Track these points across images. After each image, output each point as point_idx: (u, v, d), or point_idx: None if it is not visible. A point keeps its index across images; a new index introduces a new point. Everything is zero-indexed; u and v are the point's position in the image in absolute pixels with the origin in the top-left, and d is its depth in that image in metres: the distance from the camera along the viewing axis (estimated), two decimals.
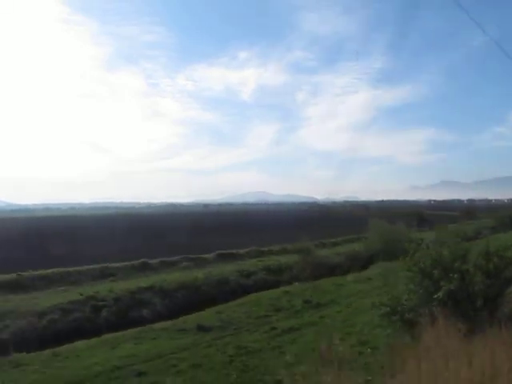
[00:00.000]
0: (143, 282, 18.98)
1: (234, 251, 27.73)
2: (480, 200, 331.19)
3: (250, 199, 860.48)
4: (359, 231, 40.63)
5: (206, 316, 14.93)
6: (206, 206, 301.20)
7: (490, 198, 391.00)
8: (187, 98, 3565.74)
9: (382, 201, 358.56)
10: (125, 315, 15.74)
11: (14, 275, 19.08)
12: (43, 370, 10.64)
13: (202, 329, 13.21)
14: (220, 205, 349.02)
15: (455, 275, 7.39)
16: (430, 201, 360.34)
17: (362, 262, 27.24)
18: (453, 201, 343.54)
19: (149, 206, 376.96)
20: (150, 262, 23.46)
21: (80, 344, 12.51)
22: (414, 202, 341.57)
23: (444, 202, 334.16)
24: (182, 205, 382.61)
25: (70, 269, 20.80)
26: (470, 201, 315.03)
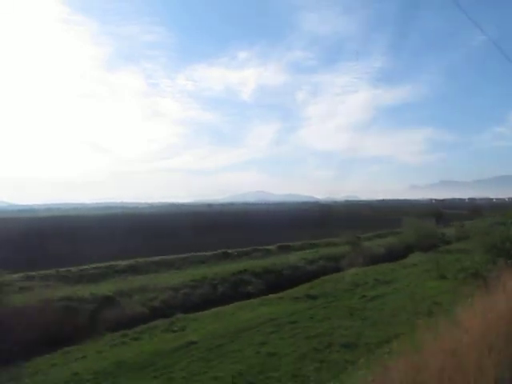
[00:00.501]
0: (233, 267, 23.22)
1: (290, 243, 32.16)
2: (481, 199, 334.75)
3: (251, 199, 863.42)
4: (372, 229, 45.04)
5: (305, 289, 19.30)
6: (209, 205, 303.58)
7: (491, 196, 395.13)
8: (187, 97, 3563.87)
9: (383, 200, 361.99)
10: (236, 290, 20.03)
11: (132, 261, 23.30)
12: (215, 321, 14.97)
13: (310, 297, 17.60)
14: (223, 205, 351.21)
15: None
16: (431, 200, 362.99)
17: (400, 253, 31.51)
18: (454, 200, 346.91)
19: (151, 205, 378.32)
20: (229, 251, 27.78)
21: (226, 307, 16.86)
22: (414, 201, 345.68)
23: (445, 201, 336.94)
24: (183, 204, 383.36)
25: (172, 256, 25.10)
26: (471, 200, 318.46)
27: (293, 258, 26.53)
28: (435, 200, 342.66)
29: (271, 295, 18.53)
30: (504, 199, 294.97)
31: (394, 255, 30.54)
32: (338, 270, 25.36)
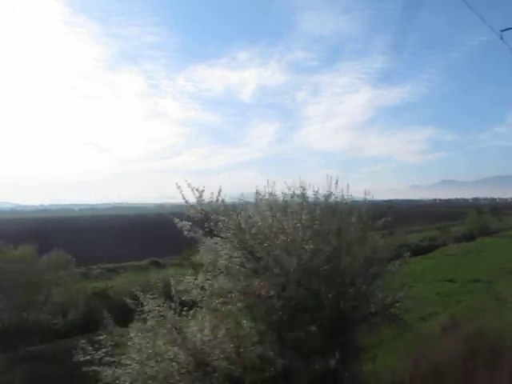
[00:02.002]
0: None
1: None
2: (484, 199, 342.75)
3: (252, 199, 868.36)
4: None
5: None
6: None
7: (494, 196, 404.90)
8: (187, 98, 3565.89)
9: (390, 200, 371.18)
10: None
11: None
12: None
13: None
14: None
15: None
16: (435, 200, 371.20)
17: (466, 238, 42.34)
18: (458, 200, 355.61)
19: (159, 206, 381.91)
20: None
21: None
22: (418, 201, 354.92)
23: (449, 200, 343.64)
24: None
25: None
26: (475, 199, 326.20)
27: (414, 236, 37.88)
28: (439, 200, 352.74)
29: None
30: (507, 199, 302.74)
31: (467, 238, 41.39)
32: (437, 246, 36.24)
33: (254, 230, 6.36)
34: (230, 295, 6.65)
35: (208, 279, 6.93)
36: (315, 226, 6.41)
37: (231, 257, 6.80)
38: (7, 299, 12.55)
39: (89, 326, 13.87)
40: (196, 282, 6.90)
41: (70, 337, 13.48)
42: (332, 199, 7.25)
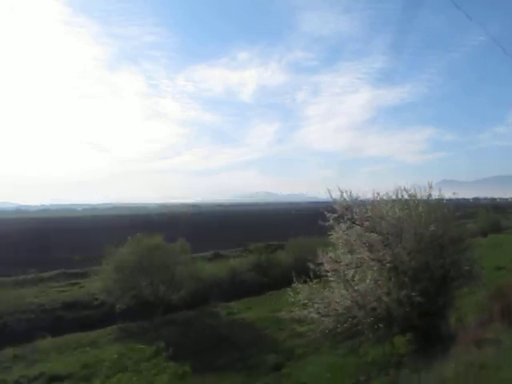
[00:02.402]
0: None
1: None
2: (485, 198, 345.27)
3: (253, 199, 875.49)
4: None
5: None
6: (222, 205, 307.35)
7: (494, 196, 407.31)
8: (187, 98, 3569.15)
9: None
10: None
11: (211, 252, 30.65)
12: None
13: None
14: (243, 204, 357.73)
15: None
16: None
17: (479, 235, 45.83)
18: (458, 200, 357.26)
19: (163, 206, 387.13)
20: None
21: None
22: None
23: (450, 200, 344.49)
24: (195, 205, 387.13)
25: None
26: (476, 199, 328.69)
27: None
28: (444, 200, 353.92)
29: None
30: (507, 199, 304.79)
31: (480, 235, 44.84)
32: None
33: (389, 218, 9.79)
34: (364, 264, 10.10)
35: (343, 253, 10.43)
36: (431, 216, 9.90)
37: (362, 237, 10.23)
38: (148, 278, 15.90)
39: (194, 302, 17.40)
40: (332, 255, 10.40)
41: (180, 310, 16.96)
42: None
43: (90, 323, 15.86)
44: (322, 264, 10.35)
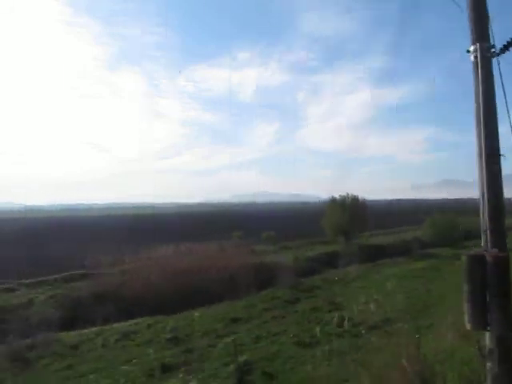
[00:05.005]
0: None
1: None
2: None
3: (254, 199, 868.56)
4: None
5: None
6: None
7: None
8: (188, 98, 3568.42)
9: (400, 200, 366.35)
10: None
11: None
12: None
13: None
14: (247, 204, 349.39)
15: None
16: (443, 200, 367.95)
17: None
18: (463, 199, 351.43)
19: (165, 205, 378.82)
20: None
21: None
22: (422, 200, 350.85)
23: (458, 200, 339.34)
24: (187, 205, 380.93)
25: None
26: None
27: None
28: (447, 199, 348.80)
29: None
30: (510, 198, 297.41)
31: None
32: None
33: None
34: None
35: None
36: None
37: None
38: None
39: None
40: None
41: None
42: None
43: None
44: None
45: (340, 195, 36.33)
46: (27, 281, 19.43)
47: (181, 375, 9.36)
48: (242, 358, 9.79)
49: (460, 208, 70.10)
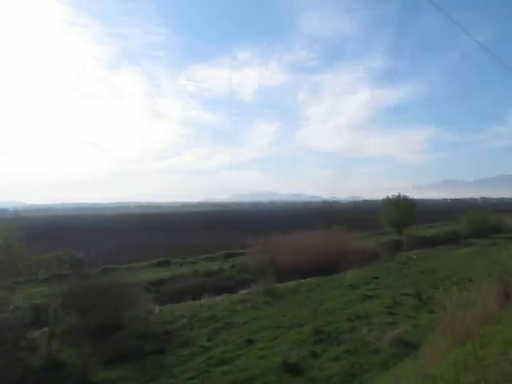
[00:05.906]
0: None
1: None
2: (493, 199, 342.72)
3: (254, 198, 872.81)
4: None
5: None
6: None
7: (493, 196, 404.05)
8: (188, 98, 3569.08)
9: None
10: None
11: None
12: None
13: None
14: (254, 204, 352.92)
15: None
16: (445, 199, 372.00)
17: None
18: (465, 199, 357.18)
19: (169, 204, 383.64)
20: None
21: None
22: (424, 200, 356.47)
23: (460, 200, 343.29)
24: (190, 204, 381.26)
25: None
26: (484, 199, 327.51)
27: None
28: (450, 199, 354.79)
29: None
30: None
31: None
32: None
33: None
34: None
35: None
36: None
37: None
38: None
39: None
40: None
41: None
42: None
43: None
44: None
45: (392, 195, 43.89)
46: (200, 257, 26.83)
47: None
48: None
49: (491, 207, 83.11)
